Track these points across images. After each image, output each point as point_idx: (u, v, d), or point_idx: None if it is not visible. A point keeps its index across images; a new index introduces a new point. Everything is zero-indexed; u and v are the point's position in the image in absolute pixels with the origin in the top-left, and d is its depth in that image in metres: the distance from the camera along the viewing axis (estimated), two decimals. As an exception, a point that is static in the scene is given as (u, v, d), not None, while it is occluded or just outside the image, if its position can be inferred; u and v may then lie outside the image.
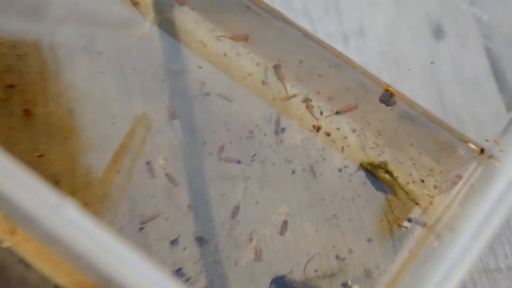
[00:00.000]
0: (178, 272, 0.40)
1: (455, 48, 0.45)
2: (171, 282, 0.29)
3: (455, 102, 0.46)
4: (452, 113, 0.46)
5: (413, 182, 0.45)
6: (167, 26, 0.48)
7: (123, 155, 0.44)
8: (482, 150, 0.44)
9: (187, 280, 0.40)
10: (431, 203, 0.44)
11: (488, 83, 0.44)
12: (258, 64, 0.47)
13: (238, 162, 0.45)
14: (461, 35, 0.44)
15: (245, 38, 0.46)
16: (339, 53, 0.47)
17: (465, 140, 0.45)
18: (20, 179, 0.28)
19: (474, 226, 0.30)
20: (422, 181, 0.45)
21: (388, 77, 0.46)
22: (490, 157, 0.43)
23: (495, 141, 0.43)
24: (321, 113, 0.46)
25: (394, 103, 0.46)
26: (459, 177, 0.45)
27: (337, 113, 0.46)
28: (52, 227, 0.28)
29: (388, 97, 0.46)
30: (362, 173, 0.45)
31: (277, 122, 0.46)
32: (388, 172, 0.45)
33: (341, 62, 0.47)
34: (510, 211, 0.30)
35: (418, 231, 0.44)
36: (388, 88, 0.46)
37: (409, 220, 0.44)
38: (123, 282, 0.27)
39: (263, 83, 0.47)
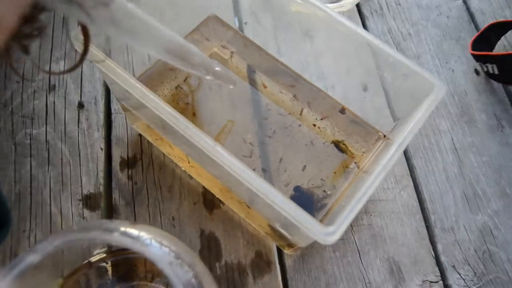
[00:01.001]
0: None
1: (370, 94, 0.46)
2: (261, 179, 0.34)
3: (373, 115, 0.47)
4: (372, 120, 0.47)
5: (356, 149, 0.47)
6: (251, 80, 0.50)
7: (226, 133, 0.47)
8: (384, 136, 0.47)
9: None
10: (362, 158, 0.46)
11: (386, 109, 0.45)
12: (285, 94, 0.49)
13: (282, 140, 0.47)
14: (375, 87, 0.44)
15: (293, 86, 0.49)
16: (325, 93, 0.49)
17: (378, 131, 0.47)
18: (191, 132, 0.32)
19: (379, 168, 0.33)
20: (363, 151, 0.47)
21: (344, 103, 0.48)
22: (388, 138, 0.46)
23: (389, 132, 0.46)
24: (316, 119, 0.48)
25: (345, 113, 0.48)
26: (376, 142, 0.47)
27: (322, 119, 0.48)
28: (210, 155, 0.32)
29: (343, 111, 0.48)
30: (332, 145, 0.47)
31: (298, 122, 0.48)
32: (344, 144, 0.47)
33: (326, 96, 0.49)
34: (394, 163, 0.34)
35: (355, 170, 0.46)
36: (343, 106, 0.48)
37: (355, 163, 0.46)
38: (244, 182, 0.31)
39: (292, 106, 0.49)
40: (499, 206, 0.49)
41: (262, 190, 0.31)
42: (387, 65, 0.40)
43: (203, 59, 0.33)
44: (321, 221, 0.43)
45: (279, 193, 0.31)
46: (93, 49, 0.34)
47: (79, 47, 0.35)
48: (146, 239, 0.32)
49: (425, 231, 0.47)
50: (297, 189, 0.45)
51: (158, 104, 0.33)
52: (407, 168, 0.51)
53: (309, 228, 0.30)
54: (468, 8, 0.63)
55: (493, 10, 0.63)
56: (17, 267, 0.28)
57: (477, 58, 0.56)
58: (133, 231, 0.32)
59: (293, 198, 0.44)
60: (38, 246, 0.29)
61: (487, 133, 0.53)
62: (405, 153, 0.52)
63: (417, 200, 0.49)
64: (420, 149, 0.52)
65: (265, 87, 0.49)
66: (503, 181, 0.50)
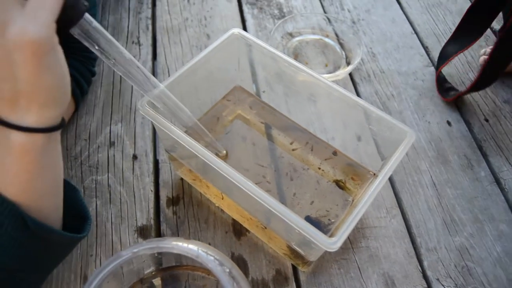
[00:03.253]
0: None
1: (363, 143, 0.51)
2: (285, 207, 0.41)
3: (366, 159, 0.53)
4: (366, 162, 0.53)
5: (352, 186, 0.53)
6: (268, 135, 0.56)
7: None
8: (374, 174, 0.53)
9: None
10: (357, 193, 0.52)
11: (376, 154, 0.50)
12: (295, 145, 0.55)
13: (294, 180, 0.52)
14: (367, 137, 0.49)
15: (300, 138, 0.54)
16: (326, 143, 0.55)
17: (369, 171, 0.53)
18: (230, 173, 0.38)
19: (366, 197, 0.39)
20: (356, 185, 0.52)
21: (342, 150, 0.54)
22: (376, 176, 0.46)
23: (377, 171, 0.51)
24: (320, 163, 0.54)
25: (337, 155, 0.53)
26: (368, 179, 0.52)
27: (325, 159, 0.54)
28: (245, 190, 0.38)
29: (335, 153, 0.54)
30: (334, 184, 0.53)
31: (306, 166, 0.54)
32: (343, 183, 0.53)
33: (327, 145, 0.55)
34: (377, 192, 0.40)
35: (351, 202, 0.51)
36: (336, 150, 0.54)
37: (352, 197, 0.51)
38: (271, 209, 0.38)
39: (301, 153, 0.54)
40: (473, 229, 0.55)
41: (285, 215, 0.38)
42: (373, 120, 0.48)
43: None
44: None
45: (298, 216, 0.38)
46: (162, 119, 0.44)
47: (145, 113, 0.45)
48: (194, 249, 0.40)
49: (413, 251, 0.53)
50: (307, 218, 0.51)
51: (204, 153, 0.42)
52: (396, 201, 0.57)
53: (318, 240, 0.38)
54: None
55: (460, 74, 0.73)
56: (112, 264, 0.36)
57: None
58: (185, 244, 0.40)
59: (305, 225, 0.50)
60: (123, 252, 0.38)
61: (459, 171, 0.61)
62: (394, 189, 0.58)
63: (405, 226, 0.55)
64: (406, 185, 0.59)
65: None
66: (476, 209, 0.57)
